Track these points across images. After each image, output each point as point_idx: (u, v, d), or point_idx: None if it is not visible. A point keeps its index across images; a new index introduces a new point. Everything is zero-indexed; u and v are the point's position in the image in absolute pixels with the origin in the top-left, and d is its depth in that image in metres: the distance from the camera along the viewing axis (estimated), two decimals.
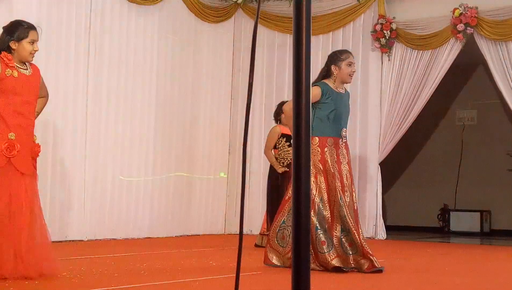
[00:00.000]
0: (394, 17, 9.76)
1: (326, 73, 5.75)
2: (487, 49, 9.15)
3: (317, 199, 5.45)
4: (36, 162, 4.78)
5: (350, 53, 5.84)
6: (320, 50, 10.06)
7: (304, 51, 1.66)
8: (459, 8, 9.18)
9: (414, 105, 9.61)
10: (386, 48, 9.77)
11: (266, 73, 10.46)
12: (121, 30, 8.92)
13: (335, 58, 5.74)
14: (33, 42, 4.77)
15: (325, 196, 5.47)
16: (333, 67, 5.70)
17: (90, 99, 8.45)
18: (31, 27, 4.81)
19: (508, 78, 8.98)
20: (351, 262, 5.42)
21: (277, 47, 10.54)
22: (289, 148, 7.57)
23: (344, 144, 5.71)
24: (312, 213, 5.32)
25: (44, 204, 5.26)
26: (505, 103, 9.42)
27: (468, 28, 9.12)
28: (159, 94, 9.40)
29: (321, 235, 5.37)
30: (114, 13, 8.80)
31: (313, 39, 1.73)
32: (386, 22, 9.72)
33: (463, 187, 11.94)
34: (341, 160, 5.63)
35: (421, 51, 9.59)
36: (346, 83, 5.83)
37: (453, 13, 9.20)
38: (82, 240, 8.20)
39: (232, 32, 10.62)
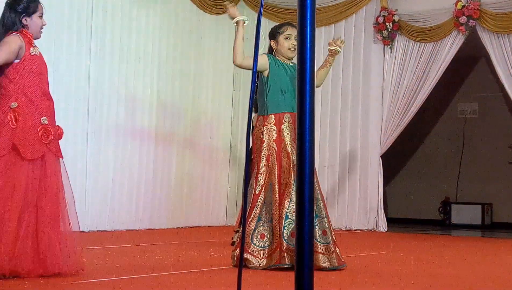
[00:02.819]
0: (396, 9, 9.74)
1: (269, 50, 5.41)
2: (489, 41, 9.13)
3: (268, 184, 5.01)
4: None
5: (290, 25, 5.36)
6: (322, 42, 10.03)
7: (309, 45, 1.65)
8: (462, 0, 9.16)
9: (416, 98, 9.60)
10: (388, 40, 9.76)
11: None
12: (123, 22, 8.90)
13: (273, 32, 5.39)
14: (41, 16, 4.47)
15: (275, 180, 4.99)
16: (272, 42, 5.35)
17: (91, 89, 8.44)
18: (38, 1, 4.49)
19: (510, 71, 8.96)
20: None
21: None
22: None
23: (292, 119, 5.17)
24: (261, 200, 4.99)
25: None
26: (507, 96, 9.40)
27: (471, 20, 9.10)
28: (161, 84, 9.39)
29: (261, 227, 4.97)
30: (116, 4, 8.79)
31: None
32: (388, 14, 9.70)
33: (464, 180, 11.94)
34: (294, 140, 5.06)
35: (423, 43, 9.58)
36: (289, 58, 5.33)
37: (456, 6, 9.18)
38: (83, 231, 8.20)
39: (233, 24, 10.58)
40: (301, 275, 1.67)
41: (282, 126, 5.11)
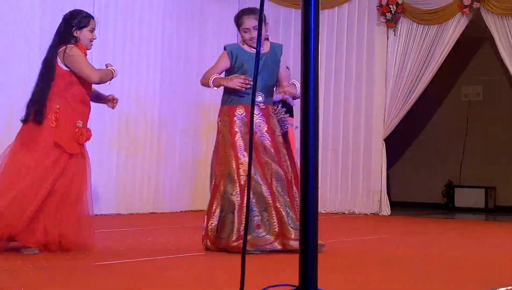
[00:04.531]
0: None
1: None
2: (493, 24, 9.08)
3: (226, 176, 4.91)
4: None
5: (245, 14, 5.11)
6: (325, 25, 10.00)
7: (313, 28, 1.63)
8: None
9: (420, 81, 9.56)
10: (391, 23, 9.71)
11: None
12: (126, 7, 8.87)
13: (235, 22, 5.20)
14: (92, 30, 4.98)
15: (234, 171, 4.92)
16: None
17: None
18: (91, 16, 5.02)
19: None
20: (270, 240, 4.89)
21: (282, 22, 10.48)
22: (285, 115, 7.03)
23: (262, 111, 5.08)
24: (221, 192, 4.88)
25: None
26: (511, 79, 9.37)
27: (475, 2, 9.04)
28: (164, 70, 9.37)
29: (225, 217, 4.90)
30: None
31: None
32: None
33: (468, 163, 11.91)
34: (255, 130, 4.99)
35: (427, 26, 9.53)
36: (251, 46, 5.12)
37: None
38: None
39: (237, 7, 10.55)
40: (306, 258, 1.66)
41: (235, 118, 5.02)
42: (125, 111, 8.78)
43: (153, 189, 9.18)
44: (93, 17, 5.04)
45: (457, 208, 11.48)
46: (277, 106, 6.86)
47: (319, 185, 1.67)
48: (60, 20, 5.02)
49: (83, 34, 4.95)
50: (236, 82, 4.98)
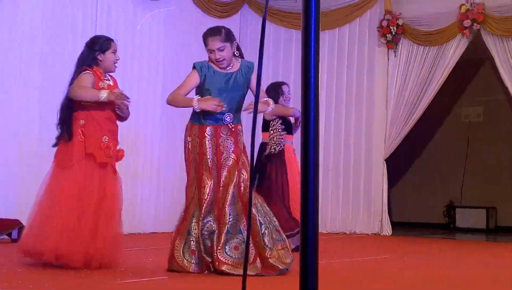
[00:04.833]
0: (400, 13, 9.74)
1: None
2: (493, 45, 9.13)
3: (196, 198, 4.87)
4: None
5: (208, 36, 5.05)
6: (326, 46, 10.06)
7: (313, 49, 1.65)
8: (466, 4, 9.16)
9: (420, 102, 9.59)
10: (392, 44, 9.76)
11: (271, 69, 10.43)
12: (127, 24, 8.92)
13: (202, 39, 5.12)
14: (114, 52, 5.30)
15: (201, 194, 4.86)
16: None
17: None
18: (111, 39, 5.36)
19: None
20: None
21: (283, 43, 10.53)
22: (282, 132, 6.74)
23: (230, 131, 5.00)
24: (202, 214, 4.79)
25: None
26: (511, 100, 9.39)
27: (475, 24, 9.09)
28: (164, 90, 9.36)
29: (192, 242, 4.85)
30: (120, 6, 8.80)
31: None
32: (392, 18, 9.70)
33: (469, 183, 11.91)
34: (222, 151, 4.91)
35: (428, 47, 9.57)
36: (219, 66, 5.03)
37: (460, 9, 9.18)
38: None
39: (238, 27, 10.61)
40: (306, 279, 1.67)
41: (204, 140, 4.93)
42: (125, 130, 8.75)
43: (153, 208, 9.17)
44: (113, 40, 5.35)
45: (458, 228, 11.46)
46: (276, 122, 6.83)
47: (320, 205, 1.68)
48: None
49: (107, 57, 5.24)
50: (210, 104, 4.85)
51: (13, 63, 7.67)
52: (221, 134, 4.94)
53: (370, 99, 9.91)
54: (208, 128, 4.94)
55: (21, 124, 7.68)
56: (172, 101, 5.12)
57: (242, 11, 10.61)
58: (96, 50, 5.22)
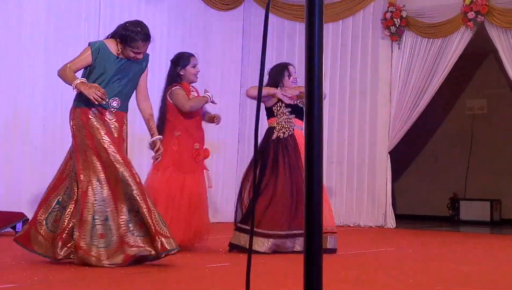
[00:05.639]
0: (404, 5, 9.71)
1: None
2: (497, 37, 9.10)
3: (94, 180, 4.74)
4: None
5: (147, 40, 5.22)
6: (330, 38, 10.04)
7: (317, 41, 1.64)
8: None
9: (424, 94, 9.57)
10: (396, 36, 9.74)
11: (275, 61, 10.39)
12: (131, 18, 8.89)
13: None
14: (194, 65, 6.20)
15: (102, 175, 4.76)
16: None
17: None
18: (191, 54, 6.26)
19: None
20: (141, 245, 4.73)
21: (286, 35, 10.52)
22: (290, 116, 6.25)
23: (115, 116, 4.95)
24: (91, 199, 4.70)
25: None
26: None
27: (479, 16, 9.07)
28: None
29: (98, 226, 4.70)
30: (123, 0, 8.80)
31: None
32: (396, 10, 9.68)
33: (473, 176, 11.91)
34: (110, 135, 4.87)
35: (431, 39, 9.55)
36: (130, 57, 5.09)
37: (464, 1, 9.15)
38: None
39: (242, 20, 10.60)
40: (310, 272, 1.66)
41: (90, 122, 4.85)
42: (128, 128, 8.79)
43: None
44: (193, 55, 6.25)
45: (462, 221, 11.46)
46: (278, 106, 6.33)
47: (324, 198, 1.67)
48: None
49: (188, 71, 6.16)
50: (92, 93, 4.75)
51: (18, 59, 7.68)
52: (106, 118, 4.92)
53: (374, 92, 9.90)
54: (91, 109, 4.91)
55: (25, 118, 7.69)
56: (60, 74, 5.10)
57: (245, 4, 10.60)
58: (178, 66, 6.15)
